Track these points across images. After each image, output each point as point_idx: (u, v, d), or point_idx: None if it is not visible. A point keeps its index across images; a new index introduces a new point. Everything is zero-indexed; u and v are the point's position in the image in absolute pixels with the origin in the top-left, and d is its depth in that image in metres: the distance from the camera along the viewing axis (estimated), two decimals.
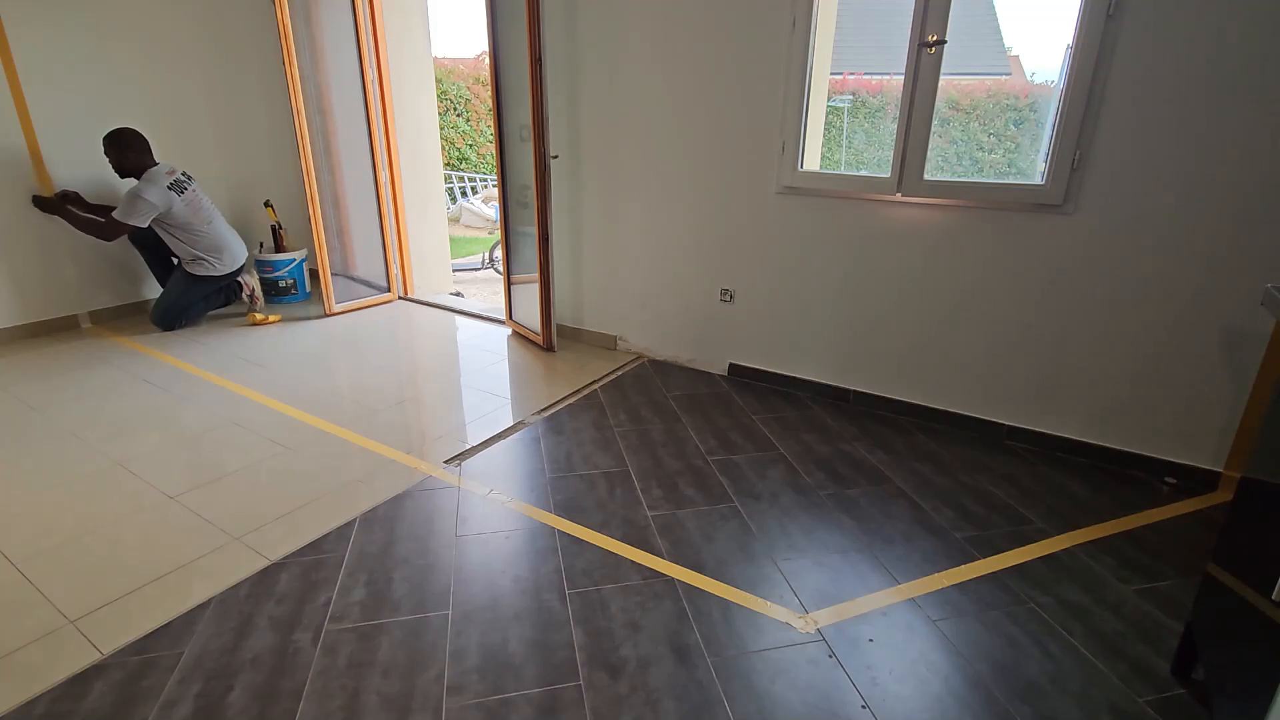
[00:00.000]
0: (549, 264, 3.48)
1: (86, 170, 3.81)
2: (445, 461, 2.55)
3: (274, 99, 4.46)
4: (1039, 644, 1.72)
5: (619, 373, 3.42)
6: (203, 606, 1.81)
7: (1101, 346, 2.51)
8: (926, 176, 2.63)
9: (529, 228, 3.56)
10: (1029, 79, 10.91)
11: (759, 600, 1.86)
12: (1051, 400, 2.65)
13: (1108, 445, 2.59)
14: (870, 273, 2.88)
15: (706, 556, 2.04)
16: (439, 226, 5.01)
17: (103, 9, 3.72)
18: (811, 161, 2.97)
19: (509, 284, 3.93)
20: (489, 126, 9.60)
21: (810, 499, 2.34)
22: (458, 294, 4.99)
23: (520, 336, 3.90)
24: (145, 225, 3.64)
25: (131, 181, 3.69)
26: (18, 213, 3.61)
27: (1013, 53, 11.25)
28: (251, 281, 4.18)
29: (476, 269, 7.16)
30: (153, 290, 4.19)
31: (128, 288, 4.11)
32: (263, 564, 1.98)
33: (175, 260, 3.99)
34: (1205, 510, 2.32)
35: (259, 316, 4.07)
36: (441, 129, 9.10)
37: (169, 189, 3.66)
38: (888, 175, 2.69)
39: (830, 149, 8.36)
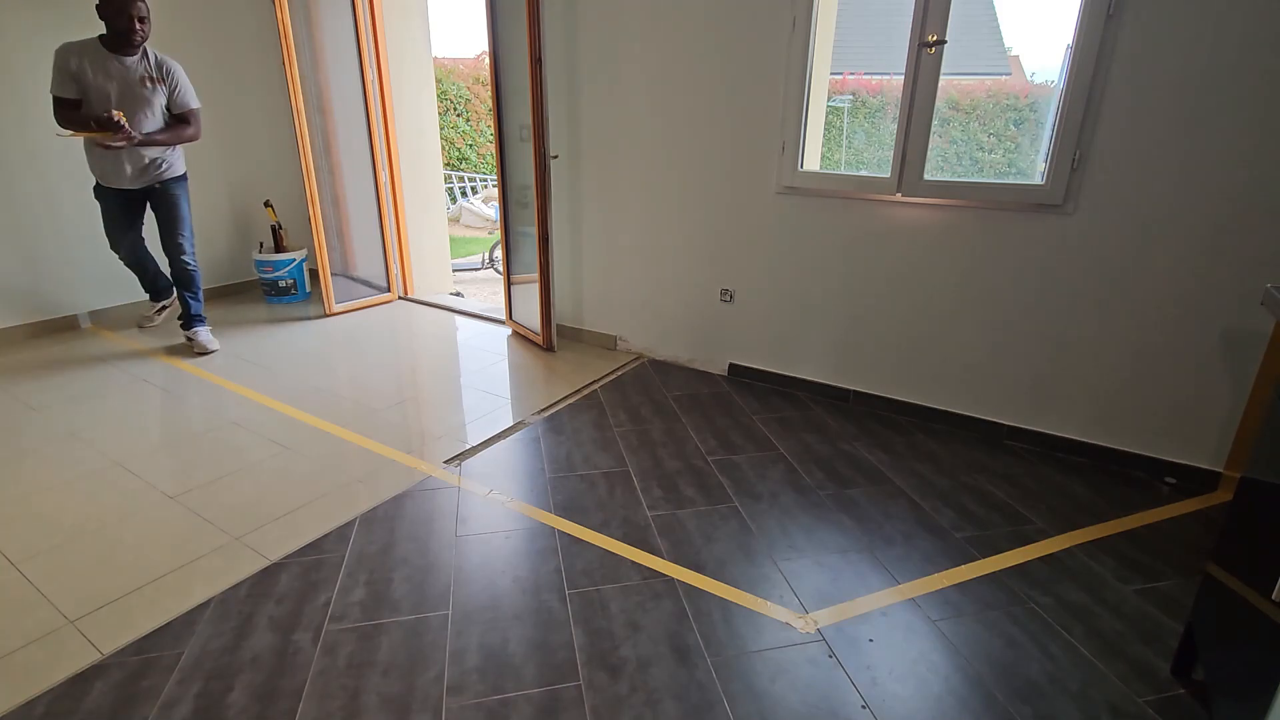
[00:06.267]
0: (549, 264, 3.48)
1: (87, 176, 3.80)
2: (445, 461, 2.55)
3: (274, 99, 4.47)
4: (1039, 644, 1.72)
5: (619, 373, 3.42)
6: (203, 606, 1.81)
7: (1101, 346, 2.51)
8: (926, 176, 2.63)
9: (529, 228, 3.56)
10: (1029, 79, 10.91)
11: (759, 600, 1.86)
12: (1052, 400, 2.65)
13: (1108, 445, 2.59)
14: (870, 273, 2.88)
15: (706, 556, 2.04)
16: (439, 226, 5.01)
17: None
18: (811, 161, 2.97)
19: (509, 284, 3.93)
20: (489, 126, 9.60)
21: (810, 499, 2.34)
22: (458, 294, 4.99)
23: (520, 336, 3.90)
24: None
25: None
26: (18, 212, 3.61)
27: (1013, 53, 11.25)
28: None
29: (476, 269, 7.16)
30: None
31: (128, 288, 4.10)
32: (263, 564, 1.98)
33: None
34: (1205, 510, 2.32)
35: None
36: (441, 129, 9.10)
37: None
38: (888, 175, 2.69)
39: (830, 149, 8.36)
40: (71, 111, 3.04)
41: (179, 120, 3.28)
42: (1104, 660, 1.68)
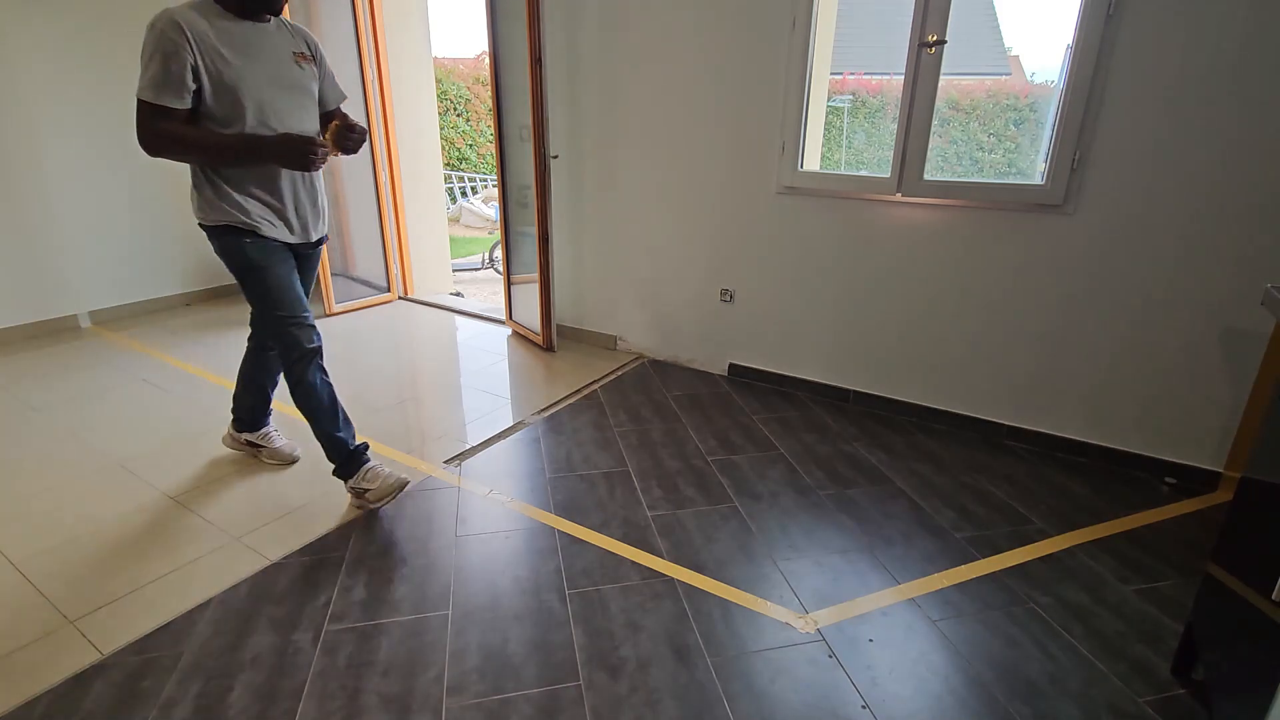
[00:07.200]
0: (549, 264, 3.48)
1: (86, 176, 3.80)
2: (445, 461, 2.55)
3: None
4: (1039, 644, 1.72)
5: (619, 373, 3.42)
6: (203, 606, 1.81)
7: (1102, 346, 2.51)
8: (926, 176, 2.63)
9: (529, 228, 3.56)
10: (1029, 79, 10.90)
11: (759, 600, 1.86)
12: (1052, 400, 2.65)
13: (1108, 445, 2.59)
14: (870, 273, 2.88)
15: (706, 556, 2.04)
16: (439, 226, 5.02)
17: (101, 8, 3.72)
18: (811, 161, 2.97)
19: (509, 284, 3.93)
20: (489, 126, 9.59)
21: (810, 499, 2.34)
22: (458, 294, 4.99)
23: (520, 336, 3.89)
24: None
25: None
26: (18, 212, 3.61)
27: (1013, 53, 11.25)
28: None
29: (476, 269, 7.16)
30: (152, 290, 4.18)
31: (128, 287, 4.11)
32: (263, 564, 1.98)
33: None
34: (1205, 510, 2.32)
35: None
36: (441, 129, 9.10)
37: None
38: (888, 175, 2.69)
39: (830, 149, 8.36)
40: (179, 128, 1.77)
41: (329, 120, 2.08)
42: (1104, 660, 1.68)
